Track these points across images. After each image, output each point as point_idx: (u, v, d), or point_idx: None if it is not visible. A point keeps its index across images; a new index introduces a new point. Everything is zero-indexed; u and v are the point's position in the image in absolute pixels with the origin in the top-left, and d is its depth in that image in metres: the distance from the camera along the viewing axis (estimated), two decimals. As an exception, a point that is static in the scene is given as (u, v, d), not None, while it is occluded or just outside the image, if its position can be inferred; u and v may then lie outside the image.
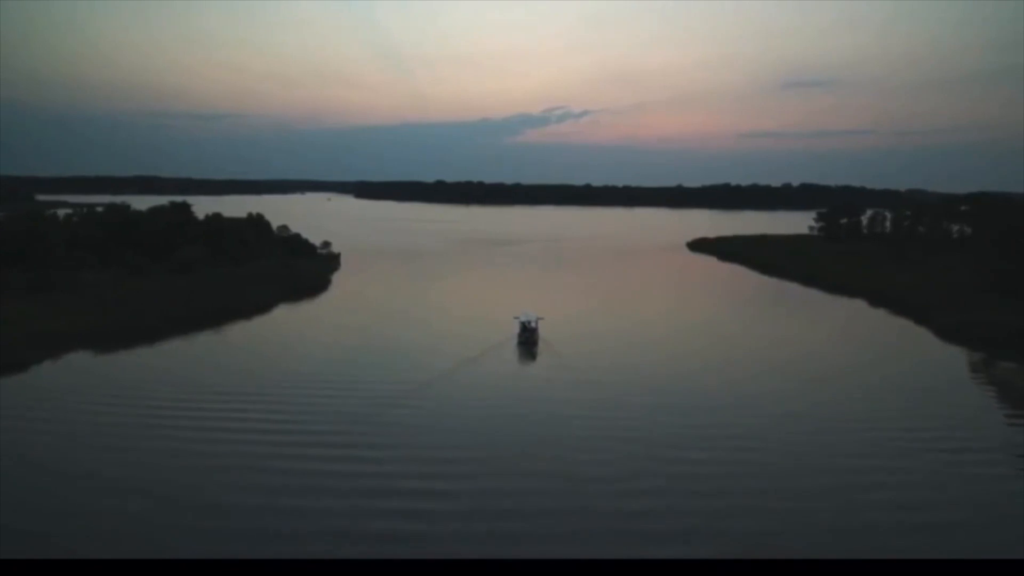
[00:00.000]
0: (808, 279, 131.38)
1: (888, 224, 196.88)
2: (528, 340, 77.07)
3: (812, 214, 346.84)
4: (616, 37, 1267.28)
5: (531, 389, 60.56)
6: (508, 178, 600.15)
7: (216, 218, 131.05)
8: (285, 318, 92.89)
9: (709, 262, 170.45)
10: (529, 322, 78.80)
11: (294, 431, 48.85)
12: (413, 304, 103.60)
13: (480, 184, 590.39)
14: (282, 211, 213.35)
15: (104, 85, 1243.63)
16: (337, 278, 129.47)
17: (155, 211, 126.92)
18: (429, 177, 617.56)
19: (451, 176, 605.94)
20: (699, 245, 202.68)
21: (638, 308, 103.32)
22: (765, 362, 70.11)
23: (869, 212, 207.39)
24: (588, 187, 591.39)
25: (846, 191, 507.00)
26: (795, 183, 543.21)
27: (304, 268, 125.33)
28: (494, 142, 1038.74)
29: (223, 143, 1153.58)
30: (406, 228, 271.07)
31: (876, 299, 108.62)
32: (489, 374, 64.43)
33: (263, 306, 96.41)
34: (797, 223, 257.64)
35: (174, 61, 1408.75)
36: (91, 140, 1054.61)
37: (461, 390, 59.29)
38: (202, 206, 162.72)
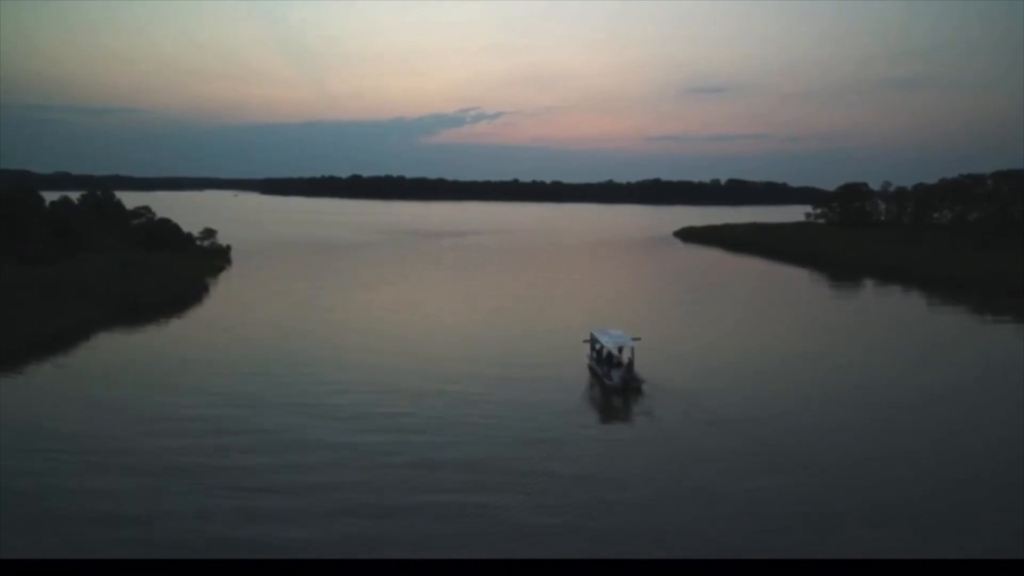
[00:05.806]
0: (884, 272, 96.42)
1: (894, 210, 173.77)
2: (625, 383, 37.15)
3: (745, 209, 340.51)
4: (526, 41, 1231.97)
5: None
6: (429, 175, 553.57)
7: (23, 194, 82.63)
8: (86, 371, 47.50)
9: (720, 255, 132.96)
10: (620, 349, 39.16)
11: None
12: (347, 332, 60.28)
13: (400, 179, 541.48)
14: (173, 207, 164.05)
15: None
16: (221, 281, 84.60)
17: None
18: (342, 174, 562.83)
19: (367, 174, 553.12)
20: (691, 235, 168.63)
21: (722, 325, 63.36)
22: None
23: (877, 200, 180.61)
24: (516, 182, 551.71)
25: (770, 187, 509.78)
26: (714, 181, 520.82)
27: (166, 267, 79.26)
28: (409, 141, 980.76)
29: (112, 138, 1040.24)
30: (322, 221, 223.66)
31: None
32: None
33: (65, 337, 51.02)
34: (747, 215, 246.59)
35: (55, 49, 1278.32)
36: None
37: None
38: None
